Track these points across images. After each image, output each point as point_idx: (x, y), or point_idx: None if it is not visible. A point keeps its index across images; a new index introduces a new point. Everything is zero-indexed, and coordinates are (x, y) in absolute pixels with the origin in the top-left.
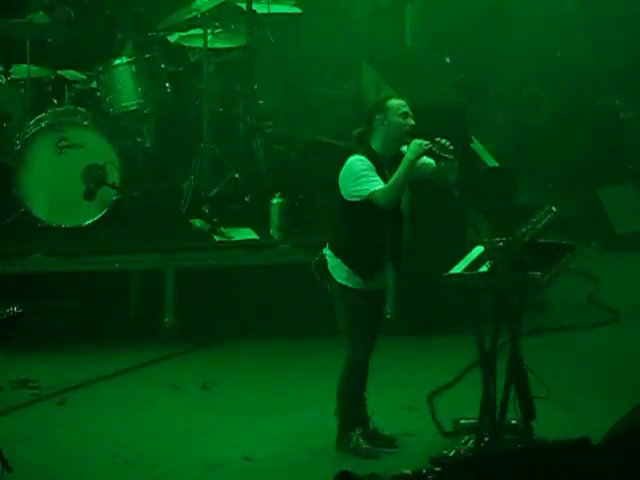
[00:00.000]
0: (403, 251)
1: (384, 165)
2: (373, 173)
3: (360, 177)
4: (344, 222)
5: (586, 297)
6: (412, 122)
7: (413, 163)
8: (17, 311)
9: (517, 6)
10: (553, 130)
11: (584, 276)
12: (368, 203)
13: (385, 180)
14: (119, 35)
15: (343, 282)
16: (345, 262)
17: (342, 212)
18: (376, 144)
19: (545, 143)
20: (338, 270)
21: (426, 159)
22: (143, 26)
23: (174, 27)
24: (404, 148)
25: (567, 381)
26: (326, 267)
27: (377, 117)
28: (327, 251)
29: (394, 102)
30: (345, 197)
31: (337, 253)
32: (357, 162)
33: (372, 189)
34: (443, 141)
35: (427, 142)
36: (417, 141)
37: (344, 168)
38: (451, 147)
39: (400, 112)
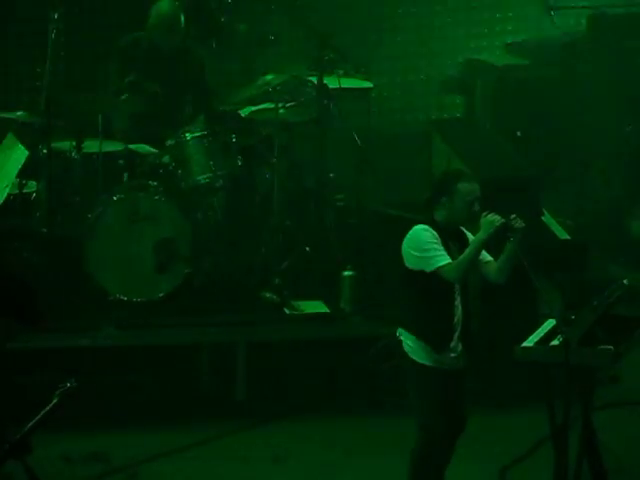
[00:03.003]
0: (472, 326)
1: (447, 236)
2: (439, 245)
3: (427, 249)
4: (411, 293)
5: None
6: (477, 208)
7: (485, 242)
8: (72, 385)
9: (587, 81)
10: (624, 203)
11: None
12: (434, 274)
13: (448, 252)
14: (191, 109)
15: (419, 360)
16: (417, 335)
17: (408, 283)
18: (439, 218)
19: (616, 216)
20: (413, 347)
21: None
22: (215, 100)
23: (245, 101)
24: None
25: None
26: (401, 347)
27: (443, 198)
28: (400, 330)
29: (463, 187)
30: (410, 267)
31: (407, 327)
32: (423, 232)
33: (440, 263)
34: (513, 217)
35: (499, 219)
36: (489, 219)
37: (409, 237)
38: (522, 224)
39: (467, 199)
